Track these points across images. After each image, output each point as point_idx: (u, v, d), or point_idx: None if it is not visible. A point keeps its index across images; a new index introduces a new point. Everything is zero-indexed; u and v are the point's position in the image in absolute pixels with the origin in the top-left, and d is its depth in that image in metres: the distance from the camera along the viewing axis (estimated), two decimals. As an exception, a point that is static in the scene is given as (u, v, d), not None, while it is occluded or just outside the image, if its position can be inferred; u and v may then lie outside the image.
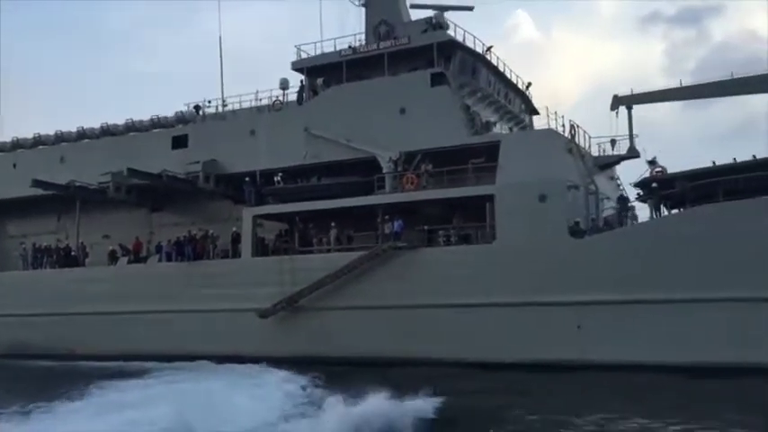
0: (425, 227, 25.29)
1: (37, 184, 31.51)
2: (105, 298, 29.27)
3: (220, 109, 32.68)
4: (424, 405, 14.73)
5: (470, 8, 31.48)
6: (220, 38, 34.78)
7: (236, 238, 28.30)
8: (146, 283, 29.10)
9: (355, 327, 24.82)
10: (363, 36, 29.99)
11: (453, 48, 27.52)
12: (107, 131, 34.06)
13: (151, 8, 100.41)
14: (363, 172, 26.76)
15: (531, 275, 22.60)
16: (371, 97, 27.10)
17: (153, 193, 31.65)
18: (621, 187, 29.30)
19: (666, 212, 23.79)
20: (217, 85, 33.70)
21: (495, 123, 28.25)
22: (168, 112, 33.23)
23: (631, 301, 21.32)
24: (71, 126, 35.18)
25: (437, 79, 26.47)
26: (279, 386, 18.97)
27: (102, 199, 31.57)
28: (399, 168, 26.11)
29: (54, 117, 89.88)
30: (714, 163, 22.43)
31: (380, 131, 26.51)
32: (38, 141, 35.63)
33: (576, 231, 22.71)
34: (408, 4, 31.11)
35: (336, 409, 14.14)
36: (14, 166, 34.64)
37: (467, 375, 20.85)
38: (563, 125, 26.63)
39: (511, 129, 30.55)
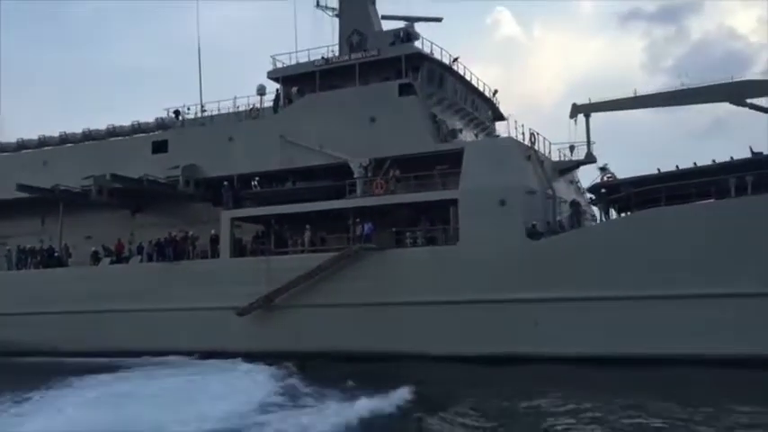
0: (394, 229, 26.52)
1: (21, 188, 32.44)
2: (88, 297, 30.10)
3: (199, 114, 33.91)
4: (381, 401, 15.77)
5: (439, 19, 33.03)
6: (199, 48, 35.75)
7: (215, 240, 29.33)
8: (127, 282, 30.04)
9: (328, 323, 25.99)
10: (337, 45, 31.31)
11: (420, 59, 28.90)
12: (89, 136, 35.07)
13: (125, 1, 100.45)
14: (335, 177, 28.00)
15: (491, 275, 23.93)
16: (343, 106, 28.37)
17: (134, 196, 32.58)
18: (582, 191, 30.95)
19: (615, 215, 25.47)
20: (195, 82, 34.49)
21: (461, 130, 29.58)
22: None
23: (582, 299, 22.78)
24: (52, 127, 36.21)
25: (405, 89, 27.85)
26: (254, 378, 20.33)
27: (85, 202, 32.45)
28: (369, 174, 27.36)
29: (38, 117, 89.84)
30: (659, 170, 24.11)
31: (352, 139, 27.77)
32: (21, 146, 36.59)
33: (532, 233, 24.17)
34: (380, 15, 32.59)
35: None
36: None
37: (431, 368, 22.23)
38: (523, 133, 28.28)
39: (477, 135, 31.93)
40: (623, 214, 25.07)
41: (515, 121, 29.32)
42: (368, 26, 31.21)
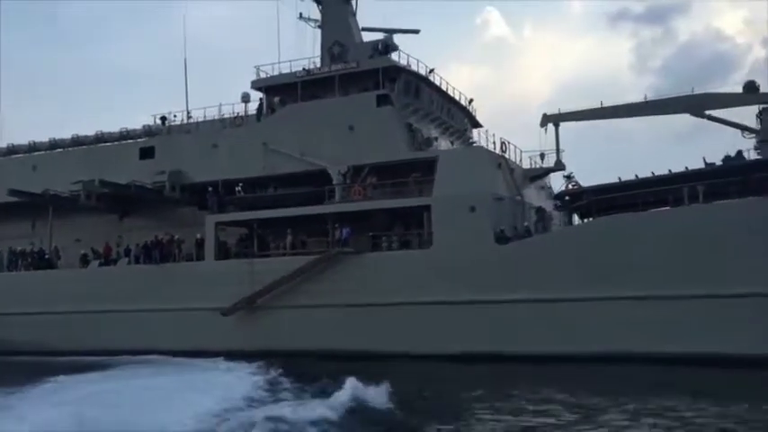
0: (371, 233, 27.68)
1: (13, 193, 33.46)
2: (77, 298, 30.97)
3: (185, 120, 35.05)
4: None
5: (416, 31, 34.45)
6: (185, 60, 36.71)
7: (200, 243, 30.37)
8: (115, 284, 30.97)
9: (308, 323, 27.08)
10: (319, 56, 32.56)
11: (397, 71, 30.21)
12: (78, 141, 36.10)
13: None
14: (316, 183, 29.16)
15: (462, 277, 25.14)
16: (323, 115, 29.54)
17: (122, 200, 33.52)
18: (553, 196, 32.31)
19: (578, 221, 26.95)
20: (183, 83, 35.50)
21: (436, 139, 30.82)
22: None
23: (547, 300, 24.07)
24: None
25: (382, 100, 29.09)
26: (238, 375, 21.41)
27: (74, 206, 33.36)
28: (348, 180, 28.57)
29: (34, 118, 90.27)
30: (620, 179, 25.61)
31: (331, 147, 28.98)
32: (11, 150, 37.56)
33: (500, 238, 25.49)
34: (360, 27, 33.92)
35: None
36: None
37: (405, 366, 23.51)
38: (494, 142, 29.69)
39: (453, 143, 33.26)
40: (585, 220, 26.50)
41: (486, 131, 30.71)
42: (349, 38, 32.51)
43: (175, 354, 26.79)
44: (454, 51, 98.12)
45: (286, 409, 14.94)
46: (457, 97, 34.23)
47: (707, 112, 27.59)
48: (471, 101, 35.56)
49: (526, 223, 26.79)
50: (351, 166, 28.72)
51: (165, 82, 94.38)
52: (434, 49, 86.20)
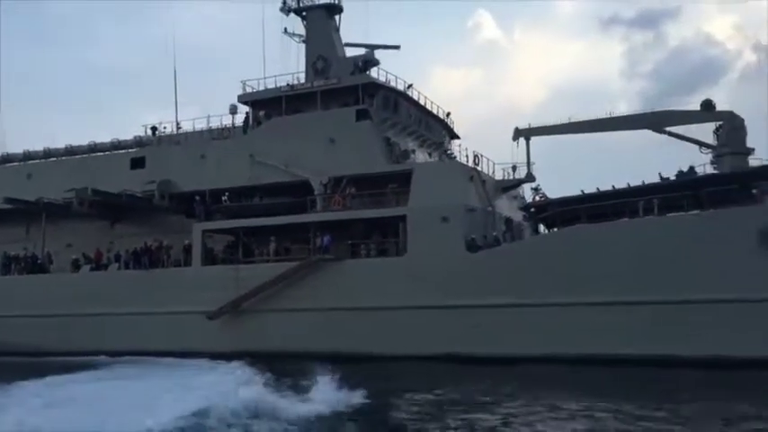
0: (350, 242, 29.12)
1: (8, 200, 34.81)
2: (69, 302, 32.20)
3: (175, 131, 36.47)
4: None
5: (397, 47, 35.90)
6: (175, 69, 38.02)
7: (188, 249, 31.64)
8: (106, 288, 32.22)
9: (290, 326, 28.43)
10: (303, 70, 34.07)
11: (376, 87, 31.74)
12: (71, 151, 37.45)
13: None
14: (298, 193, 30.57)
15: (435, 283, 26.60)
16: (306, 129, 31.00)
17: (113, 208, 34.91)
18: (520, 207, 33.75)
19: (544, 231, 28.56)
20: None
21: (413, 151, 32.32)
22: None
23: (515, 305, 25.60)
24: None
25: (361, 115, 30.56)
26: (221, 374, 22.70)
27: (67, 213, 34.64)
28: (329, 191, 30.02)
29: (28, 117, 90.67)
30: (582, 191, 27.19)
31: (313, 159, 30.44)
32: (5, 159, 38.86)
33: (471, 246, 27.00)
34: (343, 42, 35.48)
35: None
36: None
37: (382, 367, 24.86)
38: (467, 156, 31.32)
39: (430, 155, 34.79)
40: (550, 230, 28.13)
41: (460, 144, 32.31)
42: (332, 52, 34.06)
43: (164, 355, 27.90)
44: (446, 54, 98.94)
45: (266, 407, 15.88)
46: (435, 111, 35.74)
47: (667, 129, 29.29)
48: (449, 114, 37.13)
49: (495, 233, 28.26)
50: (332, 177, 30.12)
51: (152, 80, 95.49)
52: (426, 51, 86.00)
